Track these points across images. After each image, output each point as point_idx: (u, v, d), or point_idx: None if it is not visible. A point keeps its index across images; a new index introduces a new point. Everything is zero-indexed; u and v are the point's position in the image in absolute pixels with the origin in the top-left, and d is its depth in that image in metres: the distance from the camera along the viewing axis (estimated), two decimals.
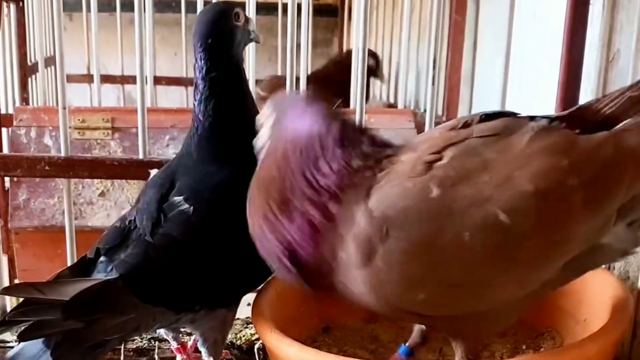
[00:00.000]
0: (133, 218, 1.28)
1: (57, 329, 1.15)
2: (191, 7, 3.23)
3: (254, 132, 1.19)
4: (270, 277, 1.33)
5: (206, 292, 1.26)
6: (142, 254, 1.22)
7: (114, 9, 3.41)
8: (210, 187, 1.27)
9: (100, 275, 1.22)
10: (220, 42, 1.30)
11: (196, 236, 1.24)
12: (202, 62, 1.30)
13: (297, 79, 1.72)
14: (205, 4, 2.13)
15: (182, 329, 1.49)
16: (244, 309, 1.71)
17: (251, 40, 1.39)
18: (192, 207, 1.24)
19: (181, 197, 1.25)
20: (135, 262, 1.21)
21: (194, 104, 1.33)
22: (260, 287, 1.36)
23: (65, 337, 1.17)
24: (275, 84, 3.09)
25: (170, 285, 1.22)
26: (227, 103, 1.31)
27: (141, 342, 1.69)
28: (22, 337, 1.18)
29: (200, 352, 1.37)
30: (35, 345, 1.20)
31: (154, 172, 1.42)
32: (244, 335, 1.68)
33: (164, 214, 1.25)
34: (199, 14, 1.40)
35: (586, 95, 1.70)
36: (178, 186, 1.28)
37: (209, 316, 1.29)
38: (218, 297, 1.28)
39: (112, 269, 1.21)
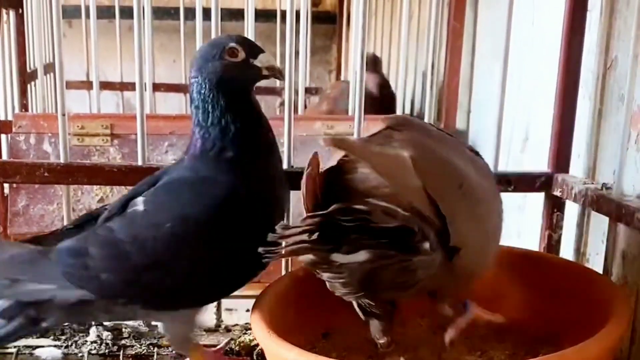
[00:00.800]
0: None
1: None
2: (190, 14, 3.24)
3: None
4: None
5: (131, 287, 1.28)
6: (83, 238, 1.29)
7: (113, 16, 3.42)
8: (169, 193, 1.29)
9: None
10: (208, 79, 1.30)
11: (134, 235, 1.26)
12: (200, 95, 1.31)
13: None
14: (204, 10, 2.14)
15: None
16: (243, 315, 1.72)
17: (264, 77, 1.35)
18: (144, 209, 1.28)
19: (143, 199, 1.29)
20: (72, 242, 1.29)
21: (193, 120, 1.33)
22: (259, 294, 1.36)
23: None
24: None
25: (94, 271, 1.26)
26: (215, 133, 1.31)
27: (140, 347, 1.69)
28: None
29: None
30: None
31: None
32: (242, 341, 1.68)
33: (122, 211, 1.31)
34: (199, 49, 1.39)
35: (584, 101, 1.71)
36: (152, 189, 1.31)
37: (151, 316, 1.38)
38: (147, 296, 1.30)
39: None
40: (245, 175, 1.28)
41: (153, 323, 1.69)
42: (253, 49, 1.32)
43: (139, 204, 1.29)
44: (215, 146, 1.29)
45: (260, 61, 1.32)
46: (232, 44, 1.30)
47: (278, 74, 1.35)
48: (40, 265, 1.27)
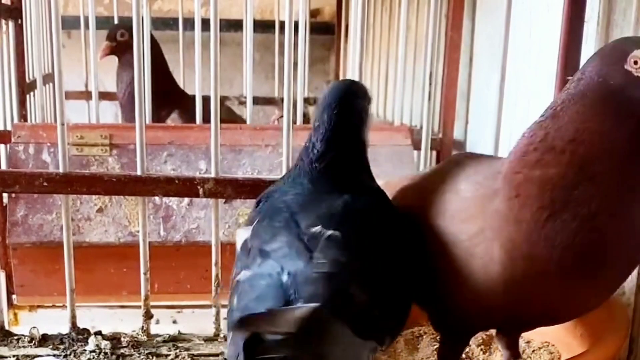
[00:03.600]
0: (275, 270, 1.08)
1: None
2: (189, 25, 3.24)
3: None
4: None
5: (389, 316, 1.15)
6: (325, 286, 1.05)
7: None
8: (340, 211, 1.18)
9: None
10: (353, 116, 1.30)
11: (362, 256, 1.13)
12: (330, 130, 1.28)
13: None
14: (203, 21, 2.15)
15: None
16: None
17: (368, 125, 1.35)
18: (336, 232, 1.12)
19: (319, 227, 1.13)
20: (328, 295, 1.04)
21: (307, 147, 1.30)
22: None
23: None
24: None
25: (365, 310, 1.08)
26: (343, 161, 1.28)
27: (139, 357, 1.69)
28: None
29: None
30: None
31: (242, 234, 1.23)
32: None
33: (311, 246, 1.10)
34: (334, 85, 1.36)
35: None
36: (304, 220, 1.16)
37: None
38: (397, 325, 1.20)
39: None
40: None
41: None
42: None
43: (323, 231, 1.14)
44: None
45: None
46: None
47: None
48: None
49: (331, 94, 1.30)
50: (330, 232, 1.11)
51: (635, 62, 1.03)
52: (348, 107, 1.29)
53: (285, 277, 1.05)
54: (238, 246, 1.21)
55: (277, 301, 1.02)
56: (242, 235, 1.21)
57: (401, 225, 1.24)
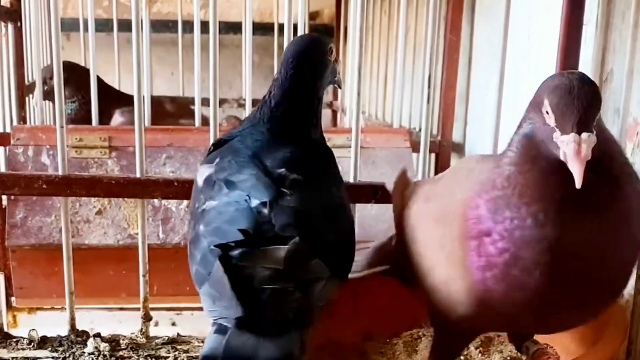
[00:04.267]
0: (243, 198, 1.17)
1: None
2: (188, 27, 3.24)
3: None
4: None
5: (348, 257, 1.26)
6: (298, 219, 1.15)
7: (111, 29, 3.41)
8: (298, 159, 1.27)
9: None
10: (308, 70, 1.34)
11: (324, 201, 1.24)
12: (286, 82, 1.34)
13: None
14: (202, 23, 2.15)
15: None
16: None
17: (334, 82, 1.41)
18: (300, 177, 1.22)
19: (283, 169, 1.22)
20: (302, 227, 1.15)
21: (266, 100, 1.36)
22: None
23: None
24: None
25: (334, 249, 1.19)
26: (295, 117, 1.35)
27: (137, 359, 1.69)
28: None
29: None
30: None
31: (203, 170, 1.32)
32: None
33: (277, 183, 1.20)
34: (294, 40, 1.43)
35: None
36: (268, 161, 1.25)
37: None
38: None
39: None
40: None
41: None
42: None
43: (287, 173, 1.25)
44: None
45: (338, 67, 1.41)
46: (332, 45, 1.39)
47: (340, 82, 1.45)
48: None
49: (290, 49, 1.37)
50: (294, 175, 1.21)
51: (547, 112, 1.02)
52: (305, 62, 1.34)
53: (254, 203, 1.16)
54: (200, 182, 1.29)
55: (249, 223, 1.13)
56: (203, 171, 1.30)
57: (338, 178, 1.36)
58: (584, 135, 0.97)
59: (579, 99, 1.00)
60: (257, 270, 1.07)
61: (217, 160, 1.29)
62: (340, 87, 1.47)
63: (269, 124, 1.33)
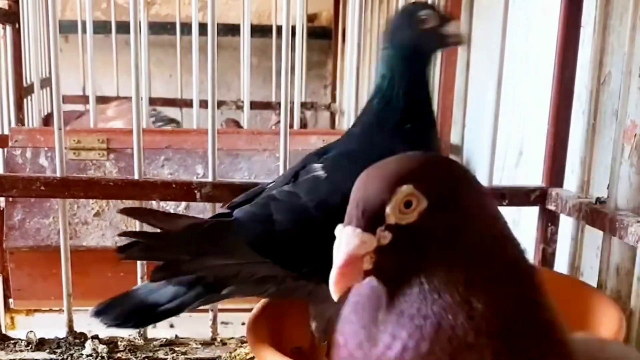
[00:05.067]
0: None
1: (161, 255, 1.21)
2: (186, 29, 3.24)
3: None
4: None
5: (316, 256, 1.21)
6: (262, 204, 1.25)
7: (110, 31, 3.42)
8: (350, 160, 1.26)
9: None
10: (403, 45, 1.32)
11: (321, 200, 1.23)
12: (388, 58, 1.33)
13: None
14: (200, 25, 2.15)
15: None
16: (239, 328, 1.72)
17: (448, 45, 1.38)
18: (326, 175, 1.25)
19: (319, 165, 1.27)
20: (253, 209, 1.25)
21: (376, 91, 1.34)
22: (254, 307, 1.37)
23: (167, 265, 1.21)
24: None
25: (281, 239, 1.22)
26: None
27: None
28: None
29: None
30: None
31: None
32: (238, 354, 1.68)
33: (297, 177, 1.28)
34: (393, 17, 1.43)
35: (578, 116, 1.72)
36: (324, 157, 1.30)
37: (319, 292, 1.25)
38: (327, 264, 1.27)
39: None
40: (422, 148, 1.26)
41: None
42: (443, 17, 1.34)
43: (318, 169, 1.28)
44: (395, 116, 1.30)
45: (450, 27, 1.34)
46: (422, 13, 1.32)
47: (460, 39, 1.40)
48: (222, 239, 1.22)
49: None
50: (319, 172, 1.26)
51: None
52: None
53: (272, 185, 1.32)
54: None
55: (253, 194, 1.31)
56: None
57: None
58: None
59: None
60: None
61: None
62: (462, 44, 1.43)
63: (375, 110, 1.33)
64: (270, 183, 1.36)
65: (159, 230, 1.24)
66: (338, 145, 1.36)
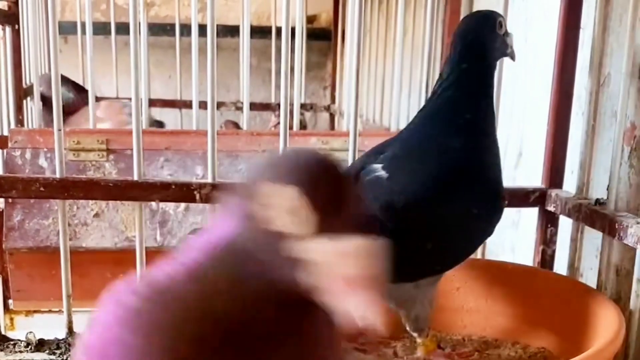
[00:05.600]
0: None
1: None
2: (186, 30, 3.25)
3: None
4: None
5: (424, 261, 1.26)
6: None
7: (109, 32, 3.42)
8: (409, 160, 1.28)
9: None
10: (478, 44, 1.33)
11: (391, 202, 1.23)
12: (456, 57, 1.32)
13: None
14: (200, 27, 2.15)
15: None
16: None
17: (507, 55, 1.40)
18: (387, 174, 1.25)
19: (379, 165, 1.27)
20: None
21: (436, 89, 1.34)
22: None
23: None
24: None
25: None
26: (467, 92, 1.33)
27: None
28: None
29: None
30: None
31: None
32: None
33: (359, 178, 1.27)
34: (463, 18, 1.43)
35: (577, 117, 1.72)
36: (382, 156, 1.31)
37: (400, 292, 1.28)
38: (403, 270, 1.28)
39: None
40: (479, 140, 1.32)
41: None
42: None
43: (379, 170, 1.28)
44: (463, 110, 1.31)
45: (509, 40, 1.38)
46: (501, 18, 1.36)
47: (513, 54, 1.41)
48: None
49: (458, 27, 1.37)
50: (380, 173, 1.26)
51: None
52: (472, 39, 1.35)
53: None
54: None
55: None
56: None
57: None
58: None
59: None
60: None
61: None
62: (513, 60, 1.45)
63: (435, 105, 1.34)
64: None
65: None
66: (394, 141, 1.37)
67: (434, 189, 1.24)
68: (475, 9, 2.45)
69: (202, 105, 2.21)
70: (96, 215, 2.05)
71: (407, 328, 1.33)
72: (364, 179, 1.27)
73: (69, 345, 1.74)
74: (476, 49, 1.33)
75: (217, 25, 1.70)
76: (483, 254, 1.88)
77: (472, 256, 1.36)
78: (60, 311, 1.82)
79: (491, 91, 1.35)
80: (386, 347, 1.52)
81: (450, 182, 1.26)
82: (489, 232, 1.31)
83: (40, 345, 1.75)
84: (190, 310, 0.74)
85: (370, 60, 3.35)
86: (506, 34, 1.37)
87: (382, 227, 1.20)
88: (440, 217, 1.24)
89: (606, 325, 1.25)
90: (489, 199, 1.29)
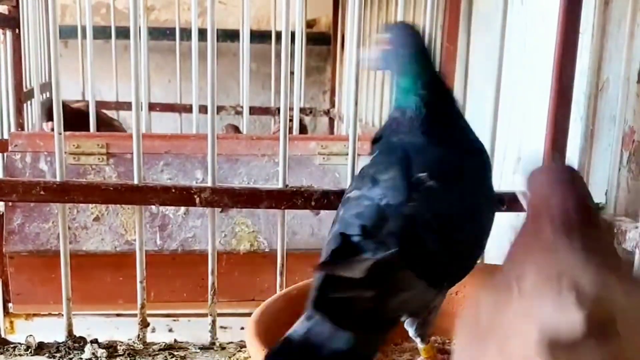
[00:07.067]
0: (378, 196, 1.26)
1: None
2: (185, 35, 3.26)
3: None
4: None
5: (453, 268, 1.28)
6: (406, 227, 1.21)
7: (109, 37, 3.43)
8: (450, 166, 1.32)
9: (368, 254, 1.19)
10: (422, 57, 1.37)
11: (448, 211, 1.26)
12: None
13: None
14: (200, 31, 2.16)
15: None
16: (237, 332, 1.72)
17: None
18: (436, 183, 1.26)
19: (425, 174, 1.27)
20: (405, 236, 1.20)
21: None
22: (253, 312, 1.37)
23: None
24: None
25: (435, 259, 1.22)
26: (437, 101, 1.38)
27: None
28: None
29: None
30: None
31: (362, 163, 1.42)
32: (237, 359, 1.68)
33: (412, 189, 1.26)
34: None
35: (576, 122, 1.73)
36: (417, 165, 1.29)
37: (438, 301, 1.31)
38: (459, 274, 1.31)
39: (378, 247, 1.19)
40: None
41: None
42: None
43: (427, 179, 1.27)
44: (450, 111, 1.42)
45: None
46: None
47: None
48: (399, 274, 1.19)
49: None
50: (431, 181, 1.26)
51: None
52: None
53: (384, 202, 1.24)
54: (358, 170, 1.43)
55: (372, 221, 1.21)
56: (364, 161, 1.40)
57: (482, 181, 1.37)
58: None
59: None
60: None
61: (376, 154, 1.37)
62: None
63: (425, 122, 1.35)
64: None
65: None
66: (411, 149, 1.35)
67: (484, 204, 1.34)
68: (474, 14, 2.46)
69: (202, 109, 2.22)
70: (96, 218, 2.05)
71: (411, 334, 1.34)
72: (418, 188, 1.27)
73: (69, 348, 1.74)
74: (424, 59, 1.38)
75: (217, 30, 1.71)
76: (482, 258, 1.88)
77: None
78: (60, 314, 1.83)
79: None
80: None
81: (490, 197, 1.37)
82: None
83: (40, 348, 1.75)
84: None
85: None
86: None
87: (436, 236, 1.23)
88: (482, 228, 1.32)
89: None
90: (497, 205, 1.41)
